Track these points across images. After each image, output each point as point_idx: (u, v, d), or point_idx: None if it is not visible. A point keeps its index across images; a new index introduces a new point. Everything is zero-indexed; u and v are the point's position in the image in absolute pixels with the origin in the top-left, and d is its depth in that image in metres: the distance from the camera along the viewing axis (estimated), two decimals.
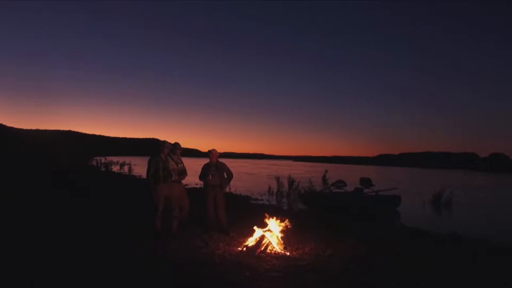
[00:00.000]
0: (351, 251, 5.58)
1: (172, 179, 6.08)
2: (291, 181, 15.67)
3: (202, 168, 6.56)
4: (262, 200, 14.27)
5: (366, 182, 12.46)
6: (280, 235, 5.43)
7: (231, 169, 6.79)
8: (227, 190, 6.84)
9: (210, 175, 6.46)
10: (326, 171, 14.94)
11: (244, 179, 27.47)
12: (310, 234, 6.61)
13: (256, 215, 8.28)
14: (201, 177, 6.55)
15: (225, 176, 6.61)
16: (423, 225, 10.18)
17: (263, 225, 5.63)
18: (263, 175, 34.82)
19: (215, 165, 6.55)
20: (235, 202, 11.72)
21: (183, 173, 6.42)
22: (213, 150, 6.59)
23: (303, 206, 12.44)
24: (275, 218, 5.61)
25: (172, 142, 6.38)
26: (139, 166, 45.40)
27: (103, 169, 34.80)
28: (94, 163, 41.48)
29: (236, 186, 19.13)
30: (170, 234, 5.83)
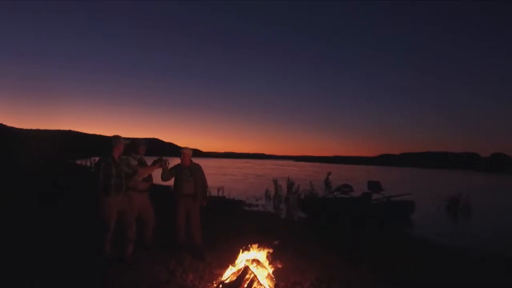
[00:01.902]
0: (364, 285, 4.11)
1: (136, 187, 4.65)
2: (290, 184, 14.16)
3: (170, 171, 5.06)
4: (257, 205, 12.77)
5: (375, 186, 10.94)
6: (270, 268, 3.94)
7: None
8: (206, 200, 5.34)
9: (183, 182, 5.00)
10: (329, 174, 13.44)
11: (242, 181, 25.94)
12: (311, 258, 5.14)
13: (247, 228, 6.86)
14: (164, 178, 5.04)
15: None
16: (443, 237, 8.75)
17: (251, 247, 4.18)
18: (274, 177, 33.25)
19: (189, 168, 5.08)
20: (226, 209, 10.26)
21: (147, 179, 4.97)
22: (186, 149, 5.11)
23: (303, 214, 10.93)
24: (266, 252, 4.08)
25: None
26: None
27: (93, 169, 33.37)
28: (88, 163, 40.25)
29: (230, 188, 17.66)
30: (124, 261, 4.34)
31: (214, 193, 15.46)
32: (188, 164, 5.06)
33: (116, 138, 4.45)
